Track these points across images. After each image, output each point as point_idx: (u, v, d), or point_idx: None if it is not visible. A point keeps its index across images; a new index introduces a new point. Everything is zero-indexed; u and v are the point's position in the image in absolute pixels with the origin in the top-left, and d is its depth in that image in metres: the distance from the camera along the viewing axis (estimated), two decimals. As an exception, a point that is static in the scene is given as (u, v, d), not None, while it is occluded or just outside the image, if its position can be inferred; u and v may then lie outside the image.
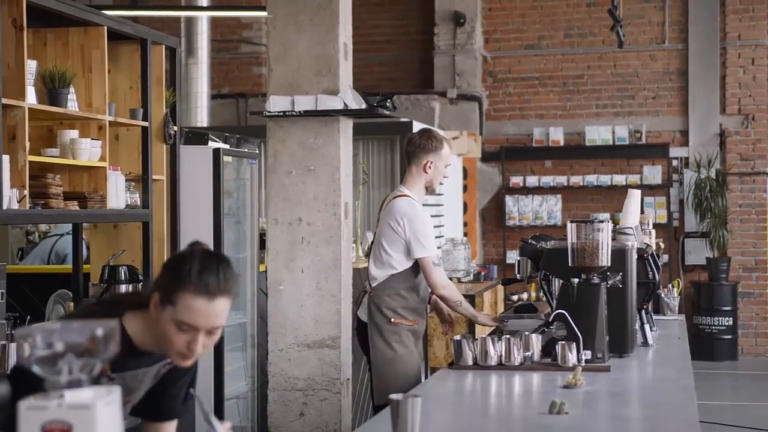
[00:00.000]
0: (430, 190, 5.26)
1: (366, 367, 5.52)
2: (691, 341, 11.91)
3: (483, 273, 10.78)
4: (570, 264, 4.41)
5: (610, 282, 4.49)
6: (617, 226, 5.29)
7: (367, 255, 5.54)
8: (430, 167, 5.16)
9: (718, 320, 12.03)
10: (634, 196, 5.63)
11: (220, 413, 6.18)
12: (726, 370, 11.75)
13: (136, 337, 2.65)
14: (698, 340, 12.12)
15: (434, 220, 10.12)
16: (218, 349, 6.15)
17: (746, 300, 12.35)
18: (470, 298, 9.12)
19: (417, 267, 5.11)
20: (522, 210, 12.75)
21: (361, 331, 5.27)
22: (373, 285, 5.14)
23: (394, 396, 2.75)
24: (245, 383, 6.70)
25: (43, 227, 8.77)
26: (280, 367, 5.55)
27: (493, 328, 5.38)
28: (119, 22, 5.25)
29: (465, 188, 12.25)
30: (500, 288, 10.89)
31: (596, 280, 4.40)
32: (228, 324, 6.37)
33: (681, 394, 3.72)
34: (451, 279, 10.10)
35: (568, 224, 4.46)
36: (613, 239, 5.11)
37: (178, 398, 2.89)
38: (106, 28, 5.12)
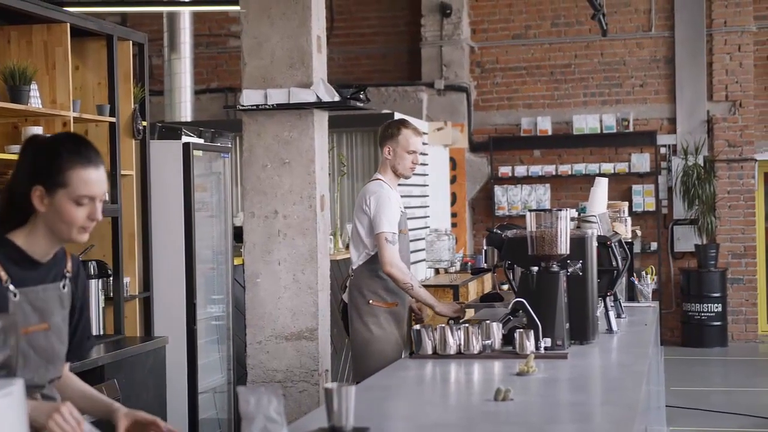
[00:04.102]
0: (399, 175, 5.35)
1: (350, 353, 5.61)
2: (680, 328, 12.12)
3: (470, 263, 10.77)
4: (529, 252, 4.44)
5: (570, 270, 4.51)
6: (581, 215, 5.32)
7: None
8: (390, 153, 5.36)
9: (708, 307, 12.04)
10: (601, 184, 5.67)
11: (193, 406, 6.21)
12: (716, 356, 11.76)
13: (28, 248, 2.80)
14: (688, 326, 12.15)
15: (419, 210, 10.15)
16: (191, 342, 6.18)
17: (735, 286, 12.36)
18: (454, 289, 9.15)
19: None
20: (511, 200, 12.76)
21: (345, 313, 5.36)
22: (353, 268, 5.28)
23: (328, 384, 2.78)
24: (222, 375, 6.73)
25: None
26: (258, 359, 5.58)
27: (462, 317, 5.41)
28: (83, 18, 5.27)
29: (454, 179, 12.25)
30: (488, 278, 10.89)
31: (555, 268, 4.42)
32: (203, 317, 6.40)
33: (629, 380, 3.73)
34: (437, 270, 10.22)
35: (527, 213, 4.48)
36: (578, 227, 5.14)
37: (88, 327, 3.04)
38: (68, 24, 5.13)
